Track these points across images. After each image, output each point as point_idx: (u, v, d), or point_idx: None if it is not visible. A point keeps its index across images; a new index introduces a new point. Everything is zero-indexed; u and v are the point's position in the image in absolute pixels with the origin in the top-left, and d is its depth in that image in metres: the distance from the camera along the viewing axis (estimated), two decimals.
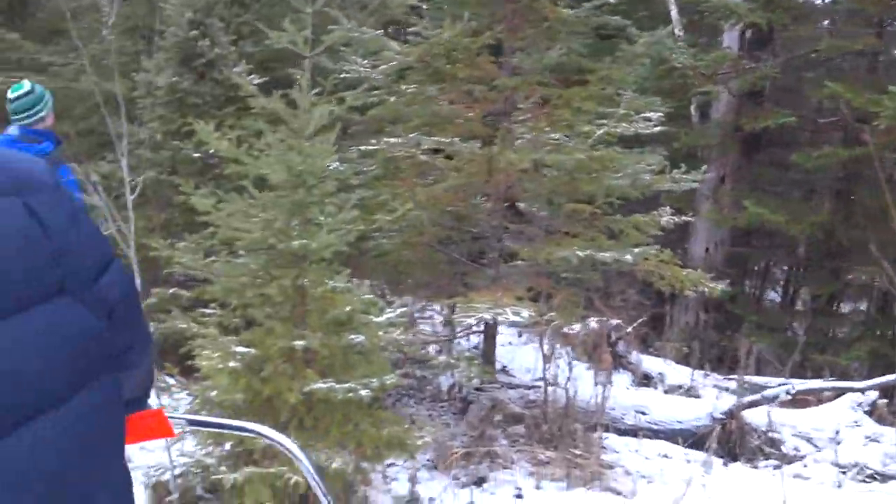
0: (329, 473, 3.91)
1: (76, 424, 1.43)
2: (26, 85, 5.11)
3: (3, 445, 1.28)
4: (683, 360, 7.73)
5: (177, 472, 4.39)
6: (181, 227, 6.11)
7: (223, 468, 3.91)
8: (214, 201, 4.80)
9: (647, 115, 5.72)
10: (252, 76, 6.19)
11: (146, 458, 4.70)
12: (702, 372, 7.27)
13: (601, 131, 5.23)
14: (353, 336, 3.97)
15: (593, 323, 4.97)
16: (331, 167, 4.19)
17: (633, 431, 5.73)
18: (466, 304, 4.89)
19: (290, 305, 3.98)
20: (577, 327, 6.02)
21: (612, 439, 5.63)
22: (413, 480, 4.56)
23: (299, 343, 3.84)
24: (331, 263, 4.12)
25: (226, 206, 4.70)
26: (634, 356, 6.86)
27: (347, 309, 4.01)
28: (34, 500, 1.36)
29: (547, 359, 5.38)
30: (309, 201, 4.05)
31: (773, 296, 12.66)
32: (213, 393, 3.97)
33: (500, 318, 4.55)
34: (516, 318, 4.56)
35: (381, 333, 4.02)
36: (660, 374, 6.84)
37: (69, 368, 1.44)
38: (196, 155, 5.95)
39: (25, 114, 5.07)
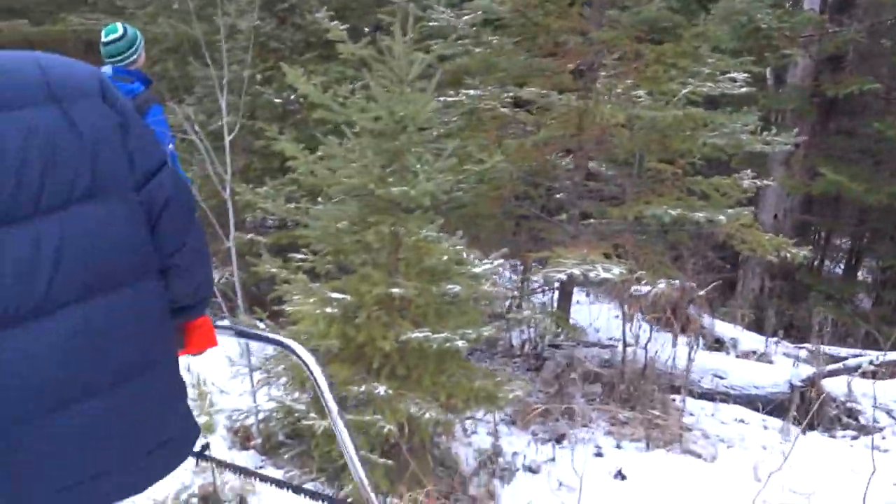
0: (420, 424, 3.90)
1: (97, 321, 1.65)
2: (119, 29, 5.16)
3: (15, 333, 1.56)
4: (750, 326, 7.63)
5: (260, 416, 4.42)
6: (260, 173, 6.09)
7: (312, 414, 3.91)
8: (301, 147, 4.78)
9: (733, 75, 5.58)
10: (335, 23, 6.13)
11: (230, 402, 4.73)
12: (772, 339, 7.17)
13: (686, 90, 5.10)
14: (449, 286, 3.93)
15: (661, 284, 4.86)
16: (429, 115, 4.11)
17: (709, 395, 5.66)
18: (554, 259, 4.83)
19: (385, 253, 3.93)
20: (644, 289, 5.94)
21: (688, 402, 5.58)
22: (495, 434, 4.54)
23: (396, 291, 3.81)
24: (425, 212, 4.06)
25: (312, 152, 4.68)
26: (707, 320, 6.77)
27: (444, 259, 3.96)
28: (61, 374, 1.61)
29: (627, 318, 5.31)
30: (408, 148, 3.98)
31: (830, 266, 12.45)
32: (304, 338, 3.96)
33: (590, 274, 4.47)
34: (607, 275, 4.48)
35: (474, 284, 3.97)
36: (732, 339, 6.75)
37: (90, 268, 1.63)
38: (277, 100, 5.90)
39: (118, 57, 5.13)
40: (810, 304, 8.22)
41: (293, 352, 2.38)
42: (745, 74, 5.62)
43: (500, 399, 4.07)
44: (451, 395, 4.00)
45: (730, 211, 4.88)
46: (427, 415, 3.79)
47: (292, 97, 5.92)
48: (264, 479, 3.19)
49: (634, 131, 4.93)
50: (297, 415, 4.05)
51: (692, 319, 5.94)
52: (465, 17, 5.53)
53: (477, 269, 3.95)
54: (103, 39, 5.10)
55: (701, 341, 6.80)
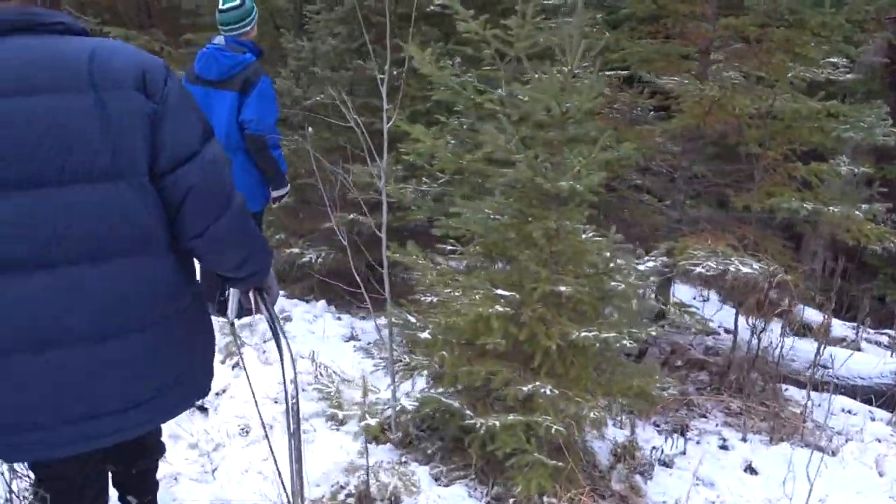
0: (580, 422, 3.86)
1: (87, 282, 1.92)
2: None
3: (16, 278, 1.87)
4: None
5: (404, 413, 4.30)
6: (358, 151, 5.96)
7: (468, 412, 3.85)
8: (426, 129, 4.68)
9: (834, 60, 5.48)
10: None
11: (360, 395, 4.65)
12: (849, 324, 7.15)
13: (789, 74, 5.01)
14: (614, 283, 3.85)
15: (743, 268, 4.76)
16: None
17: (812, 385, 5.62)
18: (680, 250, 4.76)
19: (548, 248, 3.84)
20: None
21: (794, 392, 5.56)
22: (632, 427, 4.49)
23: (562, 288, 3.73)
24: (579, 205, 3.97)
25: (426, 133, 4.57)
26: (798, 307, 6.73)
27: (607, 255, 3.88)
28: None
29: (745, 309, 5.27)
30: (571, 139, 3.88)
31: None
32: (462, 336, 3.89)
33: (730, 269, 4.40)
34: (747, 270, 4.41)
35: (636, 282, 3.90)
36: (826, 326, 6.70)
37: (90, 237, 1.90)
38: (381, 76, 5.74)
39: (233, 25, 5.05)
40: (877, 287, 8.19)
41: (280, 350, 2.52)
42: (845, 59, 5.53)
43: (654, 396, 4.02)
44: (608, 392, 3.95)
45: (864, 206, 4.80)
46: (592, 414, 3.74)
47: (395, 73, 5.77)
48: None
49: (765, 121, 4.83)
50: (447, 410, 3.99)
51: (791, 306, 5.89)
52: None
53: (643, 267, 3.87)
54: (220, 7, 5.03)
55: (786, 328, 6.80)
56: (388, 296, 4.07)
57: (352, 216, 5.72)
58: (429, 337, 3.93)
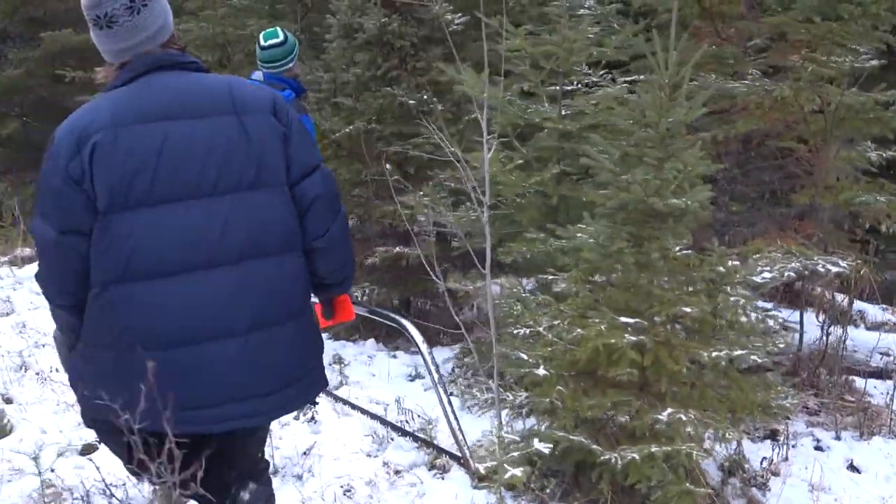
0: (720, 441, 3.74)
1: (249, 278, 2.23)
2: (280, 34, 4.87)
3: (188, 279, 2.19)
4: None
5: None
6: (391, 181, 5.75)
7: (597, 447, 3.69)
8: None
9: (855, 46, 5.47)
10: (458, 15, 5.82)
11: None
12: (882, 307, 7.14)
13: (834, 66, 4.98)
14: (732, 299, 3.74)
15: (832, 267, 4.73)
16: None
17: (877, 374, 5.61)
18: (751, 251, 4.67)
19: (665, 269, 3.71)
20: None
21: (858, 382, 5.51)
22: (739, 439, 4.37)
23: (687, 309, 3.60)
24: (686, 222, 3.84)
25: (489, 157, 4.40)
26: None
27: (721, 269, 3.77)
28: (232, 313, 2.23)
29: (813, 305, 5.21)
30: (674, 155, 3.75)
31: None
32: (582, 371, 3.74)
33: (818, 269, 4.33)
34: (835, 269, 4.34)
35: (753, 295, 3.79)
36: (859, 310, 6.71)
37: (248, 239, 2.23)
38: (411, 102, 5.56)
39: (274, 63, 4.85)
40: None
41: (406, 329, 3.11)
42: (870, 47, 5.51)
43: (776, 410, 3.92)
44: (732, 409, 3.83)
45: None
46: (727, 435, 3.62)
47: (425, 97, 5.59)
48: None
49: (828, 115, 4.78)
50: (569, 447, 3.81)
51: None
52: (611, 6, 5.28)
53: (760, 280, 3.76)
54: (261, 43, 4.84)
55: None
56: (493, 333, 3.88)
57: (398, 249, 5.51)
58: (546, 373, 3.75)
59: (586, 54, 4.67)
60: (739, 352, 3.60)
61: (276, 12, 6.81)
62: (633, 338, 3.49)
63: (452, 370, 5.34)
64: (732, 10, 4.93)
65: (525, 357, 3.84)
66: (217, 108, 2.25)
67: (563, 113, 4.78)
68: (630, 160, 3.78)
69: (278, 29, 4.91)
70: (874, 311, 6.82)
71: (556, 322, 3.87)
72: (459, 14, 5.84)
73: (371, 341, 5.70)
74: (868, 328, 6.55)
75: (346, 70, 5.67)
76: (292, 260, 2.35)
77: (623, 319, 3.59)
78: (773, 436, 4.74)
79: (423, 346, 2.82)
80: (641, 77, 5.03)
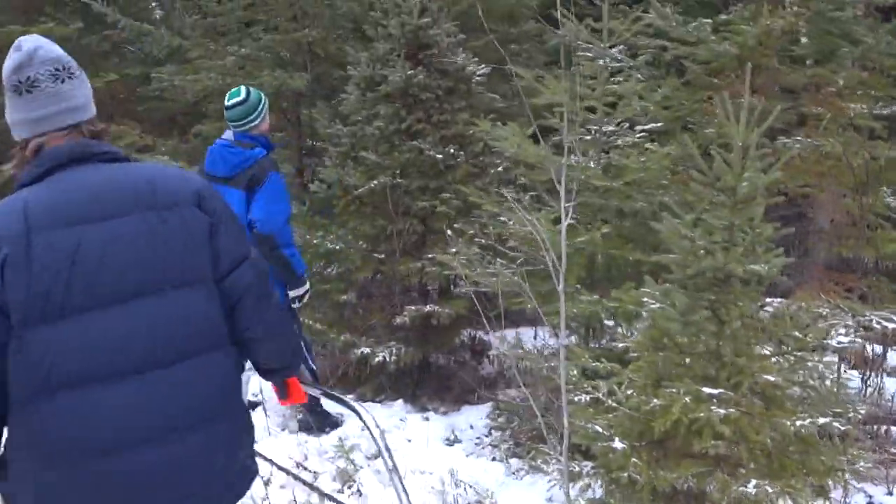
0: None
1: (178, 380, 2.09)
2: (242, 93, 4.82)
3: (115, 387, 2.03)
4: None
5: None
6: (417, 237, 5.62)
7: None
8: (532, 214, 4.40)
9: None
10: (482, 67, 5.73)
11: None
12: None
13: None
14: (810, 364, 3.65)
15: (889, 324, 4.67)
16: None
17: None
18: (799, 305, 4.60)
19: (745, 336, 3.60)
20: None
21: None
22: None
23: (770, 378, 3.50)
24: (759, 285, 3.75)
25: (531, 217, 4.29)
26: None
27: (796, 333, 3.68)
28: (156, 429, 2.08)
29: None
30: (742, 222, 3.65)
31: None
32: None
33: (874, 326, 4.26)
34: (892, 325, 4.28)
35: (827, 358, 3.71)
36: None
37: (174, 340, 2.09)
38: (438, 156, 5.43)
39: (240, 122, 4.81)
40: None
41: (359, 416, 2.79)
42: None
43: (853, 471, 3.83)
44: (808, 474, 3.72)
45: None
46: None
47: (452, 151, 5.46)
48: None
49: (869, 167, 4.75)
50: None
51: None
52: (641, 58, 5.22)
53: (843, 341, 3.68)
54: (226, 103, 4.80)
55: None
56: (565, 404, 3.73)
57: (429, 307, 5.35)
58: (623, 447, 3.62)
59: (631, 110, 4.59)
60: (823, 420, 3.50)
61: (282, 62, 6.64)
62: (722, 410, 3.37)
63: (489, 432, 5.17)
64: (768, 62, 4.89)
65: (599, 429, 3.70)
66: (137, 204, 2.11)
67: (597, 167, 4.69)
68: (703, 224, 3.67)
69: (242, 87, 4.85)
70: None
71: (626, 390, 3.74)
72: (483, 66, 5.75)
73: (399, 402, 5.52)
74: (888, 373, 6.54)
75: (366, 123, 5.52)
76: (222, 357, 2.23)
77: (707, 390, 3.46)
78: (819, 491, 4.66)
79: (377, 433, 2.78)
80: (657, 125, 4.97)
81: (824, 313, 4.50)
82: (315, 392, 2.79)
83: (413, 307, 5.36)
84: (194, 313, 2.15)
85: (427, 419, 5.35)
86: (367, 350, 5.43)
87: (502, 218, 5.09)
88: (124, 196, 2.10)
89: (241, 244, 2.30)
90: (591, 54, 5.35)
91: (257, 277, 2.30)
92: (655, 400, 3.59)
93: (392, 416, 5.32)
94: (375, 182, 5.46)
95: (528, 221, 3.62)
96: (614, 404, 3.89)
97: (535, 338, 6.41)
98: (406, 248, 5.58)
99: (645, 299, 3.89)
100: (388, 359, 5.42)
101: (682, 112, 5.23)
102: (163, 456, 2.09)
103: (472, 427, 5.26)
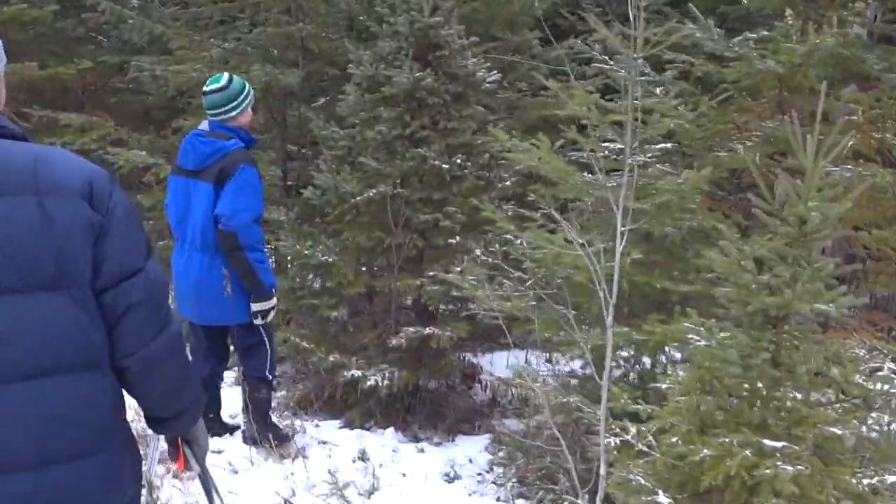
0: None
1: (37, 400, 1.76)
2: (223, 79, 4.45)
3: None
4: None
5: None
6: (417, 251, 5.20)
7: None
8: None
9: None
10: (493, 73, 5.36)
11: None
12: None
13: None
14: (874, 415, 3.31)
15: None
16: None
17: None
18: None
19: (809, 383, 3.25)
20: None
21: None
22: None
23: (834, 430, 3.15)
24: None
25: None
26: None
27: (858, 379, 3.34)
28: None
29: None
30: (807, 256, 3.30)
31: None
32: None
33: None
34: None
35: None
36: None
37: (36, 351, 1.77)
38: (444, 165, 5.02)
39: (217, 109, 4.43)
40: None
41: None
42: None
43: None
44: None
45: None
46: None
47: (459, 161, 5.06)
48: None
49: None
50: None
51: None
52: (668, 72, 4.88)
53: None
54: (204, 89, 4.42)
55: None
56: (602, 457, 3.34)
57: (429, 330, 4.93)
58: (669, 502, 3.24)
59: (664, 126, 4.24)
60: (892, 478, 3.17)
61: (271, 57, 6.18)
62: (790, 467, 3.00)
63: (491, 467, 4.76)
64: (807, 83, 4.58)
65: (642, 481, 3.31)
66: (15, 186, 1.80)
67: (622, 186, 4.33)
68: (763, 256, 3.32)
69: (225, 74, 4.51)
70: None
71: (669, 436, 3.36)
72: (495, 71, 5.37)
73: (391, 430, 5.09)
74: None
75: (366, 126, 5.10)
76: (95, 379, 1.89)
77: (769, 443, 3.10)
78: None
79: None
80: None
81: (862, 354, 4.20)
82: (195, 466, 2.28)
83: (412, 328, 4.93)
84: (65, 321, 1.81)
85: (422, 451, 4.92)
86: (357, 372, 4.98)
87: (511, 236, 4.71)
88: (4, 175, 1.79)
89: (134, 254, 1.93)
90: (606, 66, 5.03)
91: (148, 297, 1.93)
92: (706, 450, 3.22)
93: (384, 447, 4.88)
94: (374, 191, 5.03)
95: (578, 246, 3.21)
96: (645, 448, 3.53)
97: (547, 363, 6.04)
98: (404, 264, 5.15)
99: (690, 336, 3.53)
100: (380, 383, 4.98)
101: (707, 132, 4.89)
102: (14, 491, 1.77)
103: (470, 461, 4.85)
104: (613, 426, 3.77)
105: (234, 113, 4.44)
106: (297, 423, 5.06)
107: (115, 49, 7.31)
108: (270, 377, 4.73)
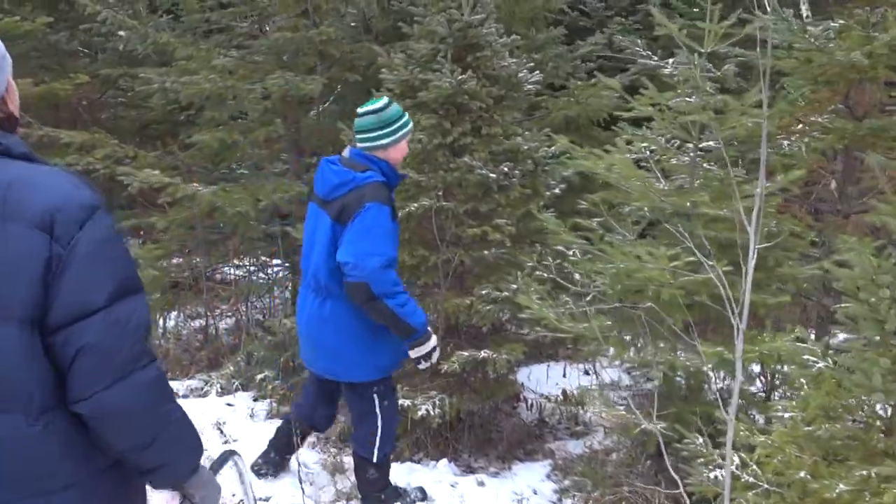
0: None
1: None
2: (380, 102, 3.89)
3: None
4: None
5: None
6: (464, 269, 4.84)
7: None
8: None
9: None
10: (535, 74, 5.03)
11: None
12: None
13: None
14: None
15: None
16: None
17: None
18: None
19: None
20: None
21: None
22: None
23: None
24: None
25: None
26: None
27: None
28: None
29: None
30: None
31: None
32: None
33: None
34: None
35: None
36: None
37: None
38: (492, 175, 4.66)
39: (365, 134, 3.87)
40: None
41: None
42: None
43: None
44: None
45: None
46: None
47: (506, 170, 4.71)
48: None
49: None
50: None
51: None
52: (726, 67, 4.57)
53: None
54: (358, 109, 3.90)
55: None
56: (726, 485, 3.00)
57: (484, 353, 4.57)
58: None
59: (744, 126, 3.93)
60: None
61: (287, 65, 5.77)
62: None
63: (559, 499, 4.42)
64: (878, 75, 4.29)
65: None
66: None
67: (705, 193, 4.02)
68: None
69: (384, 97, 3.93)
70: None
71: (791, 469, 3.05)
72: (536, 71, 5.02)
73: (444, 462, 4.72)
74: None
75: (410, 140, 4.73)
76: (52, 420, 1.76)
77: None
78: None
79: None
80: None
81: None
82: None
83: (465, 353, 4.57)
84: (9, 356, 1.69)
85: (482, 483, 4.55)
86: (406, 402, 4.61)
87: (575, 249, 4.38)
88: None
89: (93, 292, 1.75)
90: (651, 61, 4.72)
91: (100, 338, 1.74)
92: (842, 485, 2.91)
93: (441, 481, 4.52)
94: (416, 205, 4.66)
95: (708, 267, 2.87)
96: (753, 480, 3.22)
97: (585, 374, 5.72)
98: (452, 284, 4.79)
99: (807, 357, 3.21)
100: (431, 412, 4.61)
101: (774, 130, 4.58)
102: None
103: (535, 492, 4.50)
104: (716, 456, 3.48)
105: (383, 142, 3.83)
106: (345, 459, 4.68)
107: (110, 62, 6.86)
108: (374, 459, 4.07)
